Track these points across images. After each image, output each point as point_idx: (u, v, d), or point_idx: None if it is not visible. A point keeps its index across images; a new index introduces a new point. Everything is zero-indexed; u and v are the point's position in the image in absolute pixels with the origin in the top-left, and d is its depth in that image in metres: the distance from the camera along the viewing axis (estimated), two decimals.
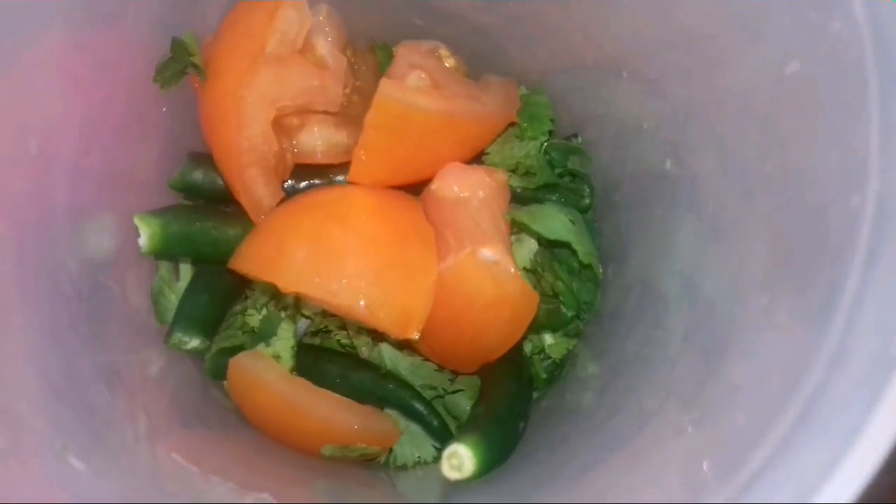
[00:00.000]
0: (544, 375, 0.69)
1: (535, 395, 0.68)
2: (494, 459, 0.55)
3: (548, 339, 0.70)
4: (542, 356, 0.70)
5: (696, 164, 0.52)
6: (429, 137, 0.64)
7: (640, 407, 0.48)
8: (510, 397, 0.58)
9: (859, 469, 0.26)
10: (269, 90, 0.63)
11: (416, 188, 0.68)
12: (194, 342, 0.68)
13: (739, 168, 0.45)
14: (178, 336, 0.67)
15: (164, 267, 0.70)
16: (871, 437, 0.26)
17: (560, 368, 0.69)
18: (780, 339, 0.35)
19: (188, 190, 0.71)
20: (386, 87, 0.62)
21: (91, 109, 0.56)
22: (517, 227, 0.68)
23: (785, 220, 0.39)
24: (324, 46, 0.67)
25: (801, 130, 0.38)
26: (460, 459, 0.53)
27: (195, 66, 0.65)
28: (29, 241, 0.50)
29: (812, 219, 0.36)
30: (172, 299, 0.70)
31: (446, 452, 0.54)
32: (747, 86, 0.43)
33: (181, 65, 0.64)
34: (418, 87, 0.66)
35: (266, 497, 0.52)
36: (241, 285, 0.71)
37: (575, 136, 0.72)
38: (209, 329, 0.69)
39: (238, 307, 0.71)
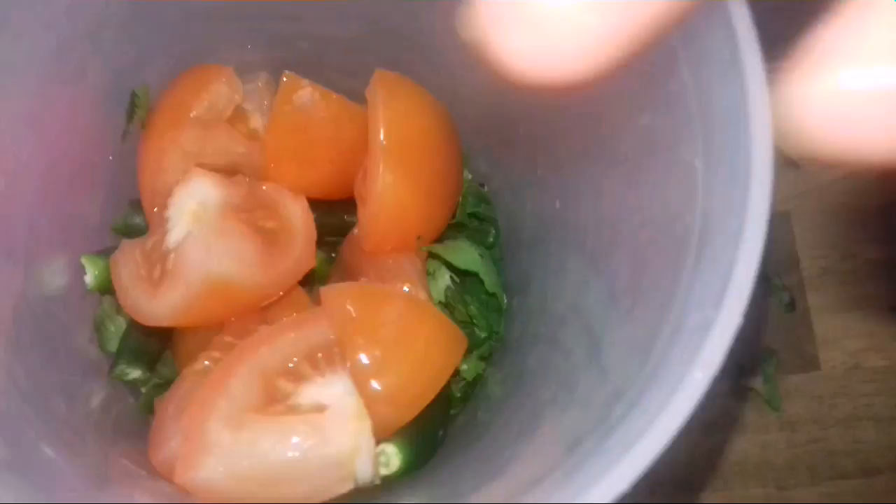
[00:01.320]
0: (459, 395, 0.77)
1: (452, 411, 0.76)
2: (417, 457, 0.63)
3: (461, 364, 0.78)
4: (456, 378, 0.78)
5: (577, 204, 0.62)
6: (331, 125, 0.71)
7: (539, 400, 0.57)
8: (430, 409, 0.66)
9: (686, 404, 0.36)
10: (189, 147, 0.71)
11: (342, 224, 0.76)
12: (135, 373, 0.73)
13: (609, 203, 0.55)
14: (121, 367, 0.72)
15: (107, 300, 0.76)
16: (694, 382, 0.36)
17: (472, 388, 0.77)
18: (638, 328, 0.45)
19: (128, 233, 0.77)
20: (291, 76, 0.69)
21: (50, 157, 0.63)
22: (432, 267, 0.77)
23: (642, 239, 0.49)
24: (259, 122, 0.76)
25: (653, 167, 0.49)
26: (388, 457, 0.61)
27: (140, 118, 0.73)
28: None
29: (660, 235, 0.47)
30: (113, 330, 0.75)
31: (376, 450, 0.61)
32: (612, 137, 0.54)
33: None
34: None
35: None
36: None
37: (482, 185, 0.82)
38: (149, 362, 0.75)
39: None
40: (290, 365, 0.59)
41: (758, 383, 1.00)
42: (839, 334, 1.03)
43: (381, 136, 0.66)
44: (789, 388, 1.00)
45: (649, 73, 0.48)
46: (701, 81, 0.43)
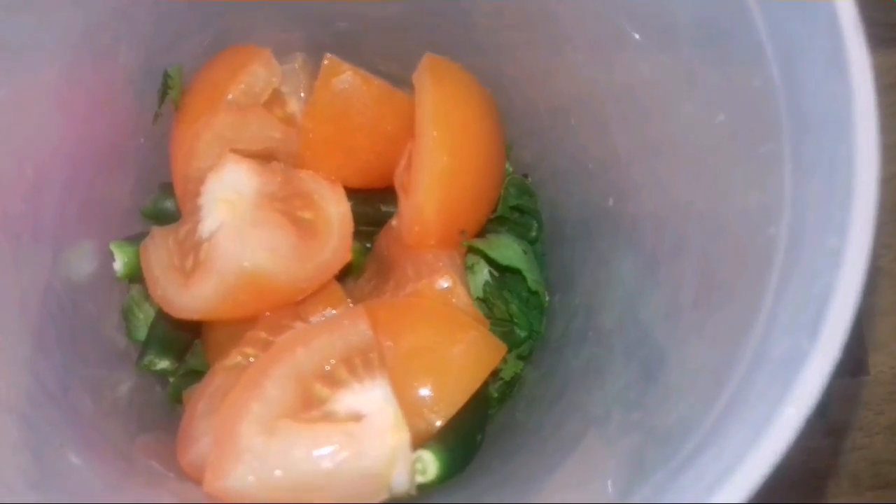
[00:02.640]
0: (496, 395, 0.74)
1: (490, 412, 0.73)
2: (455, 464, 0.60)
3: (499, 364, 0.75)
4: (494, 378, 0.75)
5: (635, 203, 0.58)
6: (372, 112, 0.67)
7: (587, 415, 0.53)
8: (468, 412, 0.63)
9: (775, 446, 0.32)
10: (225, 132, 0.68)
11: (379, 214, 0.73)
12: (164, 363, 0.71)
13: (674, 206, 0.51)
14: (150, 358, 0.70)
15: (136, 288, 0.73)
16: (785, 420, 0.32)
17: (510, 388, 0.74)
18: (709, 348, 0.42)
19: (158, 218, 0.75)
20: (332, 60, 0.66)
21: (80, 140, 0.60)
22: (471, 261, 0.73)
23: (712, 250, 0.45)
24: (296, 106, 0.72)
25: (727, 172, 0.45)
26: (424, 464, 0.58)
27: (173, 99, 0.69)
28: (24, 259, 0.53)
29: (735, 247, 0.43)
30: (141, 318, 0.73)
31: (412, 457, 0.58)
32: (681, 134, 0.50)
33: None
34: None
35: None
36: None
37: (525, 176, 0.78)
38: (178, 352, 0.73)
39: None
40: (327, 368, 0.56)
41: None
42: (890, 338, 0.99)
43: (430, 124, 0.62)
44: (835, 393, 0.96)
45: (729, 65, 0.43)
46: (793, 79, 0.39)
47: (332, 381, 0.56)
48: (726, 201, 0.45)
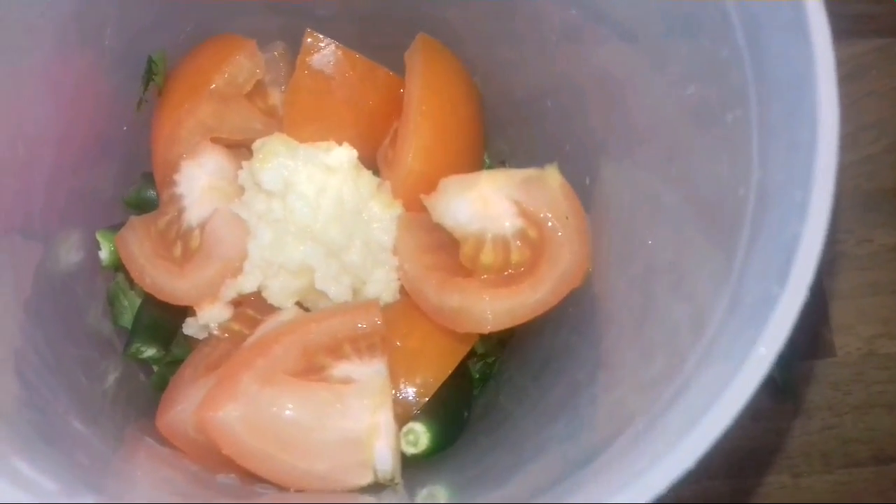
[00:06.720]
0: (477, 376, 0.76)
1: (475, 392, 0.75)
2: (444, 437, 0.62)
3: (479, 346, 0.77)
4: (475, 360, 0.77)
5: (610, 177, 0.60)
6: (354, 87, 0.69)
7: (572, 381, 0.55)
8: (455, 391, 0.66)
9: (748, 384, 0.34)
10: (207, 120, 0.69)
11: None
12: (150, 351, 0.72)
13: (648, 175, 0.54)
14: (137, 346, 0.71)
15: (121, 275, 0.74)
16: (757, 359, 0.35)
17: (491, 369, 0.76)
18: (686, 304, 0.44)
19: (141, 207, 0.75)
20: (314, 35, 0.68)
21: (68, 122, 0.61)
22: None
23: (687, 213, 0.48)
24: (277, 98, 0.74)
25: (699, 139, 0.48)
26: (416, 435, 0.61)
27: (157, 85, 0.70)
28: (17, 235, 0.54)
29: (708, 209, 0.45)
30: (126, 305, 0.74)
31: (404, 430, 0.60)
32: (654, 107, 0.52)
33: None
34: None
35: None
36: None
37: (503, 162, 0.80)
38: (165, 340, 0.73)
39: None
40: (333, 345, 0.58)
41: (773, 370, 0.98)
42: (854, 320, 1.01)
43: (419, 100, 0.64)
44: (804, 375, 0.99)
45: (697, 39, 0.46)
46: (758, 46, 0.41)
47: (336, 354, 0.58)
48: (698, 167, 0.47)
